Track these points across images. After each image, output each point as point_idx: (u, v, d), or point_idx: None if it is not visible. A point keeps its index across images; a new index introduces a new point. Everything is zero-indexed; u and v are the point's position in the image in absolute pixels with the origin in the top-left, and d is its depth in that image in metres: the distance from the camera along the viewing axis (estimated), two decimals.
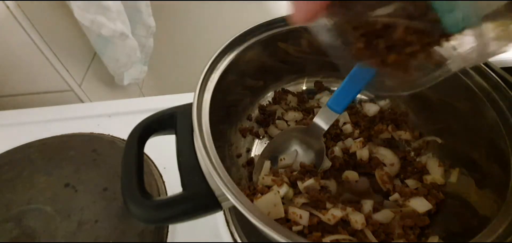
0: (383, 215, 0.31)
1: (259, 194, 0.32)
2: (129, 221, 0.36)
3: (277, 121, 0.42)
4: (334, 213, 0.29)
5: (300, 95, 0.45)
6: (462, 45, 0.19)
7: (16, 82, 0.57)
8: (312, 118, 0.40)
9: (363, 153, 0.36)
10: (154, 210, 0.25)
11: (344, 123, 0.40)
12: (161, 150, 0.42)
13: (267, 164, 0.36)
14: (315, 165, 0.35)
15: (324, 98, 0.43)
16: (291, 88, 0.45)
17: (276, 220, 0.27)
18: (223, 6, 0.92)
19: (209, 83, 0.31)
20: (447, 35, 0.18)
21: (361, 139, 0.39)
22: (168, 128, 0.31)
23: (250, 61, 0.37)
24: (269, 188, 0.33)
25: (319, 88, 0.44)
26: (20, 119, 0.52)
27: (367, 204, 0.30)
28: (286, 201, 0.31)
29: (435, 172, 0.34)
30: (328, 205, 0.30)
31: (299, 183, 0.32)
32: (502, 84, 0.28)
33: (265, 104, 0.43)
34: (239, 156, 0.38)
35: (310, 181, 0.32)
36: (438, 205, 0.31)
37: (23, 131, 0.49)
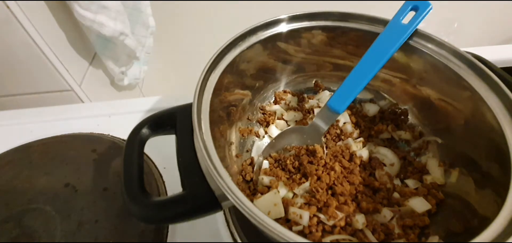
0: (382, 215, 0.31)
1: (259, 194, 0.32)
2: (129, 221, 0.36)
3: (277, 121, 0.42)
4: (334, 214, 0.29)
5: (300, 95, 0.45)
6: None
7: (16, 82, 0.57)
8: (312, 118, 0.40)
9: (363, 153, 0.36)
10: (154, 210, 0.25)
11: (344, 123, 0.40)
12: (161, 150, 0.42)
13: (265, 163, 0.36)
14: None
15: (324, 98, 0.43)
16: (291, 88, 0.45)
17: (276, 220, 0.27)
18: (223, 6, 0.92)
19: (209, 83, 0.31)
20: None
21: (361, 139, 0.39)
22: (168, 128, 0.31)
23: (250, 61, 0.37)
24: (269, 188, 0.33)
25: (319, 88, 0.44)
26: (20, 119, 0.52)
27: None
28: (286, 200, 0.31)
29: (435, 172, 0.34)
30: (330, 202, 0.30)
31: (296, 188, 0.32)
32: (502, 84, 0.28)
33: (265, 104, 0.44)
34: (239, 156, 0.38)
35: (305, 185, 0.32)
36: (438, 205, 0.31)
37: (23, 131, 0.49)
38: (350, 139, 0.38)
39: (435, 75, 0.33)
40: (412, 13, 0.33)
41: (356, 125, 0.41)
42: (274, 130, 0.41)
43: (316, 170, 0.33)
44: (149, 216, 0.25)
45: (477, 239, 0.21)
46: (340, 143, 0.39)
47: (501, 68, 0.31)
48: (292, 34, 0.38)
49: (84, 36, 0.62)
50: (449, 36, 1.04)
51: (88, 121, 0.50)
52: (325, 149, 0.36)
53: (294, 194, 0.33)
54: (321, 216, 0.29)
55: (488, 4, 0.97)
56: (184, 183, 0.26)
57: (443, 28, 1.03)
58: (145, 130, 0.31)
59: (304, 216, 0.29)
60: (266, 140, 0.41)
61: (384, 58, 0.33)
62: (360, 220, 0.29)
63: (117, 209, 0.37)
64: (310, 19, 0.38)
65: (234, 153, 0.38)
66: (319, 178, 0.33)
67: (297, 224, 0.29)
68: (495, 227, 0.21)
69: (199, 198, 0.25)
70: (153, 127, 0.31)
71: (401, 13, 0.34)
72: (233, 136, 0.39)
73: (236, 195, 0.21)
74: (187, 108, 0.29)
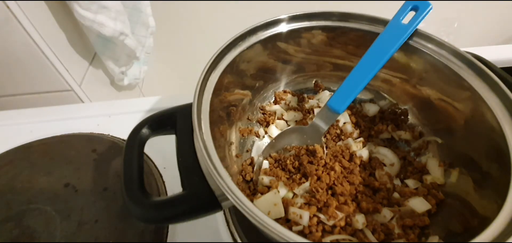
0: (382, 215, 0.31)
1: (259, 194, 0.32)
2: (129, 221, 0.36)
3: (277, 121, 0.42)
4: (334, 214, 0.29)
5: (300, 95, 0.45)
6: None
7: (16, 82, 0.57)
8: (312, 118, 0.40)
9: (363, 153, 0.36)
10: (154, 210, 0.25)
11: (344, 123, 0.40)
12: (161, 150, 0.42)
13: (265, 163, 0.36)
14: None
15: (324, 98, 0.43)
16: (291, 88, 0.45)
17: (276, 220, 0.27)
18: (223, 6, 0.92)
19: (209, 83, 0.31)
20: None
21: (361, 139, 0.39)
22: (168, 128, 0.31)
23: (250, 61, 0.37)
24: (269, 188, 0.33)
25: (319, 88, 0.44)
26: (20, 119, 0.52)
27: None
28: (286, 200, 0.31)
29: (435, 172, 0.34)
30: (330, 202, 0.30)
31: (296, 188, 0.32)
32: (502, 84, 0.28)
33: (265, 104, 0.44)
34: (239, 156, 0.38)
35: (305, 185, 0.32)
36: (438, 205, 0.31)
37: (23, 131, 0.49)
38: (350, 139, 0.38)
39: (435, 75, 0.33)
40: (412, 13, 0.33)
41: (356, 125, 0.41)
42: (274, 130, 0.41)
43: (316, 170, 0.33)
44: (149, 216, 0.25)
45: (477, 239, 0.21)
46: (340, 143, 0.39)
47: (501, 68, 0.31)
48: (292, 34, 0.38)
49: (84, 36, 0.62)
50: (449, 36, 1.04)
51: (88, 121, 0.50)
52: (325, 149, 0.36)
53: (294, 194, 0.33)
54: (321, 216, 0.29)
55: (488, 4, 0.97)
56: (184, 183, 0.26)
57: (443, 28, 1.03)
58: (145, 130, 0.31)
59: (304, 216, 0.29)
60: (266, 140, 0.41)
61: (384, 58, 0.33)
62: (360, 220, 0.29)
63: (117, 209, 0.37)
64: (310, 19, 0.38)
65: (234, 153, 0.38)
66: (319, 178, 0.33)
67: (297, 224, 0.29)
68: (495, 227, 0.21)
69: (199, 198, 0.25)
70: (153, 127, 0.31)
71: (401, 13, 0.34)
72: (233, 136, 0.39)
73: (236, 195, 0.21)
74: (187, 108, 0.29)
